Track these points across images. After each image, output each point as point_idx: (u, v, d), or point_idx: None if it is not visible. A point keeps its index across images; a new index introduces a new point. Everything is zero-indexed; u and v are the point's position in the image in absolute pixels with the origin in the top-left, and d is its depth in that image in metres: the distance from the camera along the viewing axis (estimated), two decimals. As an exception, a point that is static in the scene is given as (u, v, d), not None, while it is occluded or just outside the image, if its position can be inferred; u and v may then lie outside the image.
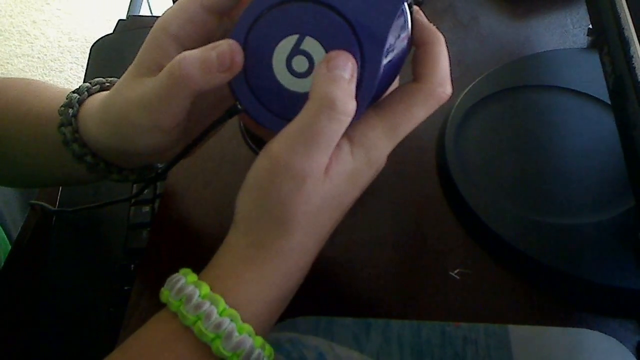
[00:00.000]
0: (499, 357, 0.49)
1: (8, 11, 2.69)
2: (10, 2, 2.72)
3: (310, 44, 0.43)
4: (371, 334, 0.50)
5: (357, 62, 0.42)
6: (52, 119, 0.53)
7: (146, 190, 0.67)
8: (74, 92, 0.53)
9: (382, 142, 0.44)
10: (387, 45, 0.42)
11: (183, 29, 0.46)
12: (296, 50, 0.43)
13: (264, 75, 0.44)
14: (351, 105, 0.41)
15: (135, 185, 0.68)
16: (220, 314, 0.41)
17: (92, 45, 0.88)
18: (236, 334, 0.41)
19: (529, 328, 0.50)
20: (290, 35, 0.43)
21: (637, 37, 0.50)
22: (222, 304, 0.41)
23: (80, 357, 0.57)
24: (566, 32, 0.76)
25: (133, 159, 0.53)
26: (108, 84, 0.55)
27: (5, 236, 0.80)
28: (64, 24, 2.64)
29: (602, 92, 0.62)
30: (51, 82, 2.40)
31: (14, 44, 2.56)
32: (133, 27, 0.92)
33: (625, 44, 0.51)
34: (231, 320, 0.41)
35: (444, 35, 0.45)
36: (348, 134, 0.43)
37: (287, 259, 0.43)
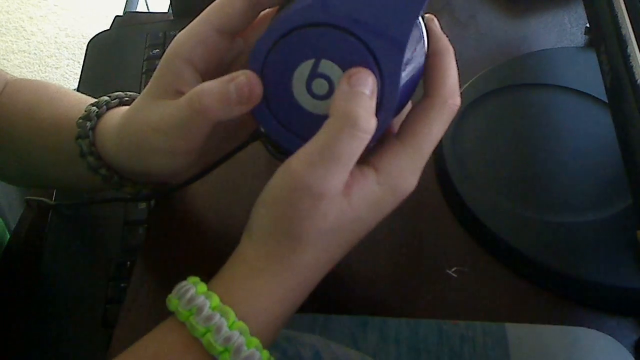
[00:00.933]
0: (496, 356, 0.49)
1: (4, 7, 2.68)
2: (6, -2, 2.72)
3: (328, 67, 0.43)
4: (368, 331, 0.50)
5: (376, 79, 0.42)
6: (68, 129, 0.53)
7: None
8: (92, 105, 0.54)
9: (408, 168, 0.44)
10: (404, 61, 0.42)
11: (195, 51, 0.46)
12: (315, 74, 0.43)
13: (285, 100, 0.44)
14: (372, 123, 0.41)
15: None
16: (230, 327, 0.41)
17: (89, 42, 0.88)
18: (245, 348, 0.41)
19: (527, 326, 0.50)
20: (306, 60, 0.43)
21: (634, 36, 0.50)
22: (232, 316, 0.41)
23: (75, 353, 0.57)
24: (564, 31, 0.76)
25: (148, 177, 0.54)
26: (127, 99, 0.55)
27: (5, 229, 0.80)
28: (60, 20, 2.63)
29: (599, 90, 0.62)
30: (47, 78, 2.40)
31: (10, 40, 2.55)
32: (130, 24, 0.91)
33: (622, 42, 0.51)
34: (240, 333, 0.41)
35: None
36: (374, 165, 0.44)
37: (298, 273, 0.43)
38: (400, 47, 0.42)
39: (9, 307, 0.63)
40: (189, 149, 0.48)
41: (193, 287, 0.42)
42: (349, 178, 0.42)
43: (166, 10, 1.02)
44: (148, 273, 0.58)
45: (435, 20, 0.46)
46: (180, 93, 0.47)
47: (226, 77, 0.44)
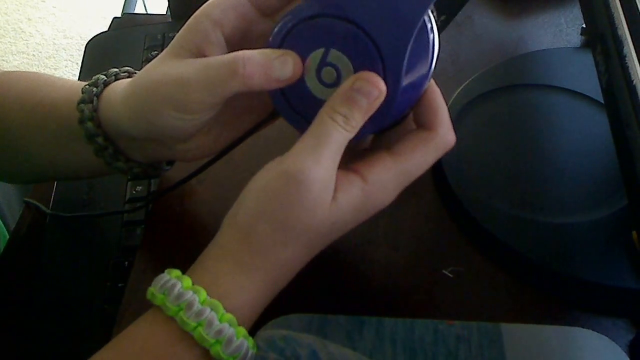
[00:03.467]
0: (492, 355, 0.49)
1: (3, 8, 2.68)
2: (5, 0, 2.72)
3: (336, 56, 0.45)
4: (364, 331, 0.50)
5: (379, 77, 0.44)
6: (66, 105, 0.53)
7: (140, 187, 0.67)
8: (101, 74, 0.54)
9: (392, 184, 0.46)
10: (405, 61, 0.43)
11: (225, 15, 0.47)
12: (324, 62, 0.45)
13: (298, 86, 0.46)
14: (358, 121, 0.44)
15: (128, 184, 0.68)
16: (220, 320, 0.42)
17: (87, 43, 0.88)
18: (235, 339, 0.43)
19: (522, 326, 0.50)
20: (318, 48, 0.45)
21: (630, 36, 0.50)
22: (221, 309, 0.43)
23: (73, 353, 0.57)
24: (560, 31, 0.77)
25: (146, 145, 0.54)
26: (136, 74, 0.55)
27: (5, 230, 0.80)
28: (59, 21, 2.63)
29: (595, 91, 0.62)
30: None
31: (9, 42, 2.55)
32: (128, 25, 0.92)
33: (618, 43, 0.51)
34: (230, 325, 0.42)
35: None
36: (362, 174, 0.45)
37: (278, 268, 0.45)
38: (402, 48, 0.43)
39: (8, 307, 0.63)
40: (203, 107, 0.48)
41: (178, 282, 0.43)
42: (337, 182, 0.44)
43: (164, 12, 1.02)
44: (146, 273, 0.59)
45: None
46: (202, 54, 0.48)
47: (269, 52, 0.46)
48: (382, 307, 0.55)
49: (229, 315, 0.42)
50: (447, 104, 0.65)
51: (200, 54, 0.48)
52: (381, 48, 0.43)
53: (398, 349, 0.49)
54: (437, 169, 0.62)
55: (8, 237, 0.79)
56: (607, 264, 0.54)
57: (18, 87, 0.57)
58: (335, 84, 0.45)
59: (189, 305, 0.42)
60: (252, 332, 0.49)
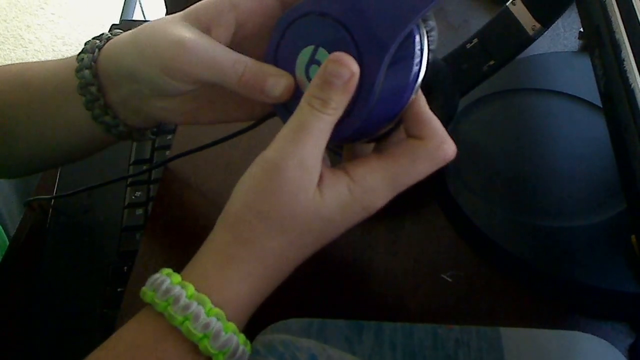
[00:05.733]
0: None
1: (2, 15, 2.69)
2: (4, 7, 2.72)
3: (323, 55, 0.46)
4: (363, 336, 0.50)
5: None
6: (62, 71, 0.55)
7: (139, 193, 0.67)
8: (94, 38, 0.55)
9: (381, 187, 0.45)
10: (382, 68, 0.43)
11: (247, 1, 0.49)
12: (312, 60, 0.46)
13: None
14: (333, 102, 0.44)
15: (128, 189, 0.68)
16: (207, 314, 0.42)
17: (86, 49, 0.88)
18: (223, 333, 0.42)
19: (521, 331, 0.50)
20: (308, 45, 0.46)
21: (628, 40, 0.50)
22: (209, 303, 0.42)
23: (74, 357, 0.57)
24: (557, 36, 0.77)
25: (144, 106, 0.54)
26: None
27: (5, 236, 0.80)
28: (58, 28, 2.63)
29: (593, 95, 0.62)
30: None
31: (8, 48, 2.56)
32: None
33: (616, 47, 0.51)
34: (217, 319, 0.42)
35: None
36: (349, 172, 0.45)
37: (265, 259, 0.44)
38: (381, 55, 0.43)
39: (8, 312, 0.63)
40: (190, 79, 0.49)
41: (167, 279, 0.43)
42: (323, 176, 0.44)
43: (163, 18, 1.02)
44: (144, 278, 0.58)
45: None
46: (208, 31, 0.49)
47: (269, 68, 0.48)
48: (382, 312, 0.54)
49: (216, 310, 0.42)
50: (445, 109, 0.66)
51: (206, 30, 0.49)
52: (362, 52, 0.44)
53: (397, 354, 0.49)
54: (436, 173, 0.62)
55: (8, 243, 0.79)
56: (607, 268, 0.54)
57: (3, 78, 0.57)
58: None
59: (176, 299, 0.42)
60: (251, 336, 0.49)
